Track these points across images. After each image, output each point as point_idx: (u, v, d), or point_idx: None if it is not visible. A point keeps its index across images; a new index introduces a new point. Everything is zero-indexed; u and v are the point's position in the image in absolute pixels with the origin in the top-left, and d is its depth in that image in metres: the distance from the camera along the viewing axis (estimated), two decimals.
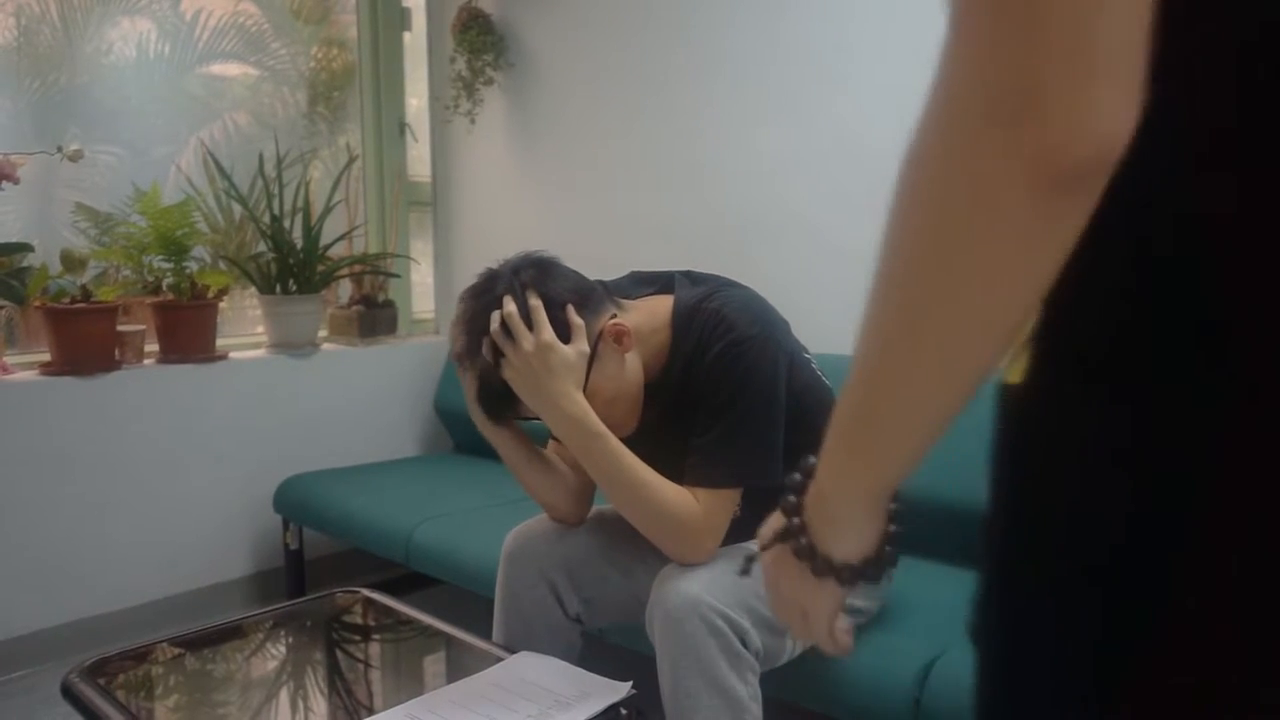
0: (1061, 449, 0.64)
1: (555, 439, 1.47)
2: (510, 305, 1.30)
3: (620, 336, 1.34)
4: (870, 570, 0.61)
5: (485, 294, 1.33)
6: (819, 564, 0.60)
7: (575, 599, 1.45)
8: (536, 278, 1.32)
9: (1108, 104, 0.39)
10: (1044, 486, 0.65)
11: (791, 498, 0.62)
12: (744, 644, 1.24)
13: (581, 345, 1.30)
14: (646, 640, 1.29)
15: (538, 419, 1.33)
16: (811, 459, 0.60)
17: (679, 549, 1.30)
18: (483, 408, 1.38)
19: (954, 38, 0.42)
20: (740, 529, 1.37)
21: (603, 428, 1.29)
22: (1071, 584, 0.64)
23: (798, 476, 0.62)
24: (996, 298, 0.45)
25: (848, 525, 0.59)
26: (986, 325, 0.46)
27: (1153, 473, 0.59)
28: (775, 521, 0.64)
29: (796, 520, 0.61)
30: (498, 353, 1.30)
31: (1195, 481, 0.60)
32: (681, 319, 1.37)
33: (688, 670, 1.22)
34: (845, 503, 0.58)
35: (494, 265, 1.37)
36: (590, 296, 1.35)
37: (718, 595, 1.23)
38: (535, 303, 1.30)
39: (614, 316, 1.36)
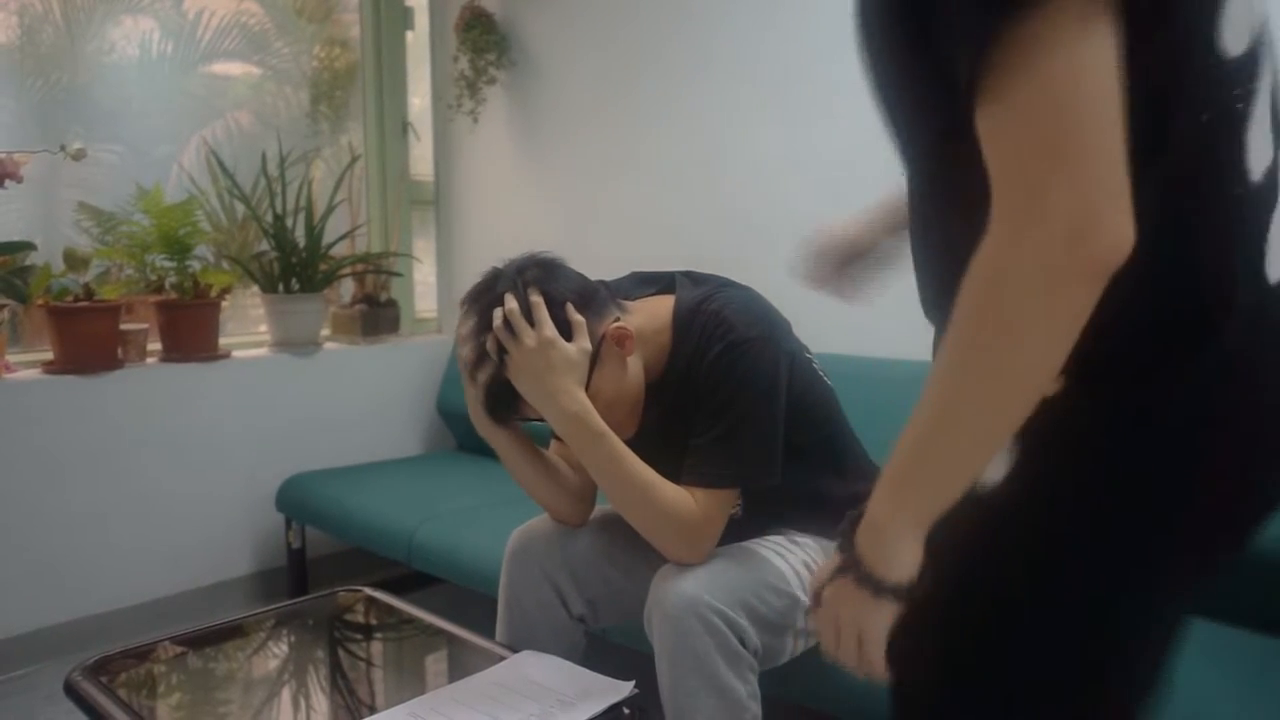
0: (1060, 448, 0.66)
1: (557, 439, 1.47)
2: (512, 302, 1.30)
3: (623, 340, 1.33)
4: (916, 589, 0.73)
5: (488, 292, 1.34)
6: (875, 585, 0.72)
7: (579, 599, 1.45)
8: (540, 277, 1.32)
9: (1126, 222, 0.59)
10: (1041, 483, 0.67)
11: (843, 540, 0.75)
12: (742, 643, 1.23)
13: (584, 343, 1.30)
14: (648, 639, 1.29)
15: (540, 420, 1.34)
16: (855, 512, 0.74)
17: (675, 549, 1.30)
18: (485, 407, 1.38)
19: (1019, 185, 0.60)
20: (739, 529, 1.37)
21: (604, 426, 1.29)
22: (1064, 582, 0.67)
23: (846, 525, 0.75)
24: (1045, 361, 0.62)
25: (899, 551, 0.71)
26: (1032, 385, 0.63)
27: (1147, 470, 0.64)
28: (833, 562, 0.77)
29: (851, 555, 0.74)
30: (501, 350, 1.31)
31: (1189, 482, 0.64)
32: (682, 320, 1.37)
33: (686, 669, 1.21)
34: (897, 532, 0.71)
35: (499, 265, 1.37)
36: (594, 297, 1.35)
37: (716, 594, 1.23)
38: (537, 299, 1.30)
39: (617, 319, 1.36)
